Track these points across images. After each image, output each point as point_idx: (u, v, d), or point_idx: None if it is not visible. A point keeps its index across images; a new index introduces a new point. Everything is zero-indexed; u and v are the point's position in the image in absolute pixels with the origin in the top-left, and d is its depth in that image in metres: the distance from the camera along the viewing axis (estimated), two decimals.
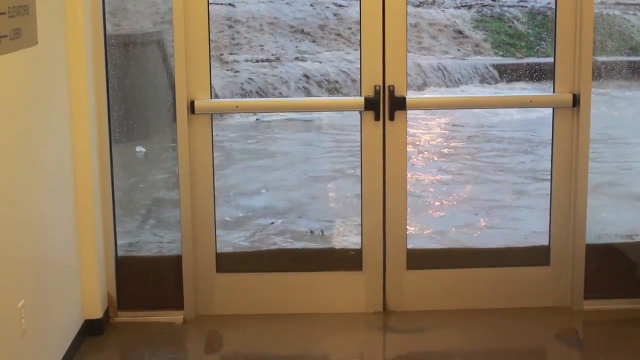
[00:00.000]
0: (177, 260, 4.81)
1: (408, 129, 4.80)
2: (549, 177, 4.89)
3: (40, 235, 3.94)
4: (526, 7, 12.42)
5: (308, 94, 10.20)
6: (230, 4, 11.13)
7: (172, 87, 4.72)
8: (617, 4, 11.92)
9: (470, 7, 12.53)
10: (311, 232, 6.19)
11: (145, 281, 4.88)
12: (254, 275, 4.94)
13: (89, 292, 4.59)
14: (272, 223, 6.43)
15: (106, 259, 4.73)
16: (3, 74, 3.47)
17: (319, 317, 4.86)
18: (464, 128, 9.40)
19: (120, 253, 4.83)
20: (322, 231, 6.20)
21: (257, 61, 10.65)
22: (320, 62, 10.81)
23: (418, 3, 12.17)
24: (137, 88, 5.22)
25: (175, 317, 4.82)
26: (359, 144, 4.81)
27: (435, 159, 8.58)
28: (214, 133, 4.75)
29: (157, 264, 4.99)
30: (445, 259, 5.25)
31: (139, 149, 5.65)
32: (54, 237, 4.18)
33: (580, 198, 4.79)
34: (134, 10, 5.39)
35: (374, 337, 4.81)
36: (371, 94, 4.69)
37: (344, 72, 10.55)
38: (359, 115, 4.76)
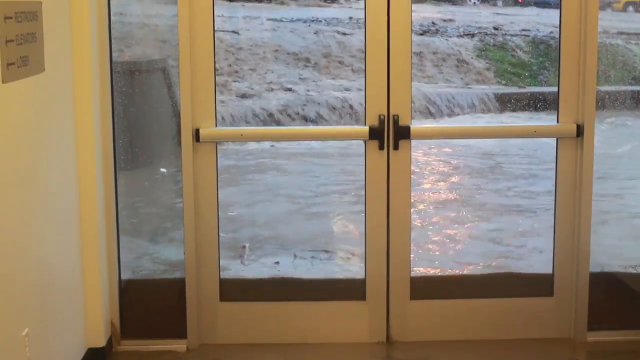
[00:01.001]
0: (180, 288, 4.80)
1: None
2: None
3: (44, 263, 3.93)
4: (529, 36, 12.46)
5: (312, 121, 10.23)
6: (234, 32, 11.17)
7: (177, 114, 4.73)
8: (620, 33, 11.96)
9: (473, 35, 12.57)
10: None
11: (148, 309, 4.87)
12: (257, 305, 4.92)
13: (93, 320, 4.58)
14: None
15: (110, 286, 4.72)
16: (10, 101, 3.48)
17: (323, 347, 4.85)
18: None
19: (123, 279, 4.84)
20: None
21: (262, 88, 10.68)
22: (323, 90, 10.85)
23: (421, 32, 12.22)
24: (142, 115, 5.23)
25: (178, 345, 4.80)
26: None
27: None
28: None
29: (160, 291, 4.97)
30: (448, 288, 5.23)
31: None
32: (59, 264, 4.18)
33: (584, 228, 4.79)
34: (140, 37, 5.41)
35: None
36: (375, 123, 4.70)
37: (345, 100, 10.59)
38: (363, 145, 4.77)
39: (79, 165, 4.44)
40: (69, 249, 4.35)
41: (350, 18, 12.39)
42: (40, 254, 3.88)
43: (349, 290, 5.06)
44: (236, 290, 5.04)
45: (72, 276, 4.40)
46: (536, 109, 10.52)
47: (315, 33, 11.93)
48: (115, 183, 4.71)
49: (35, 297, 3.81)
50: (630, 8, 12.99)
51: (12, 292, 3.51)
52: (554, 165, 4.85)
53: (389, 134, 4.71)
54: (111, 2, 4.59)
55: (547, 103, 10.06)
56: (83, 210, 4.47)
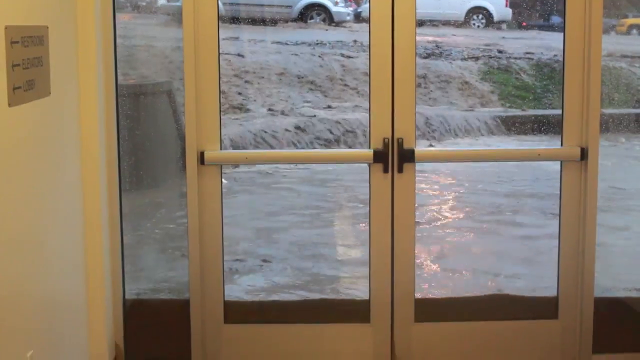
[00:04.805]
0: (185, 309, 4.80)
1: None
2: None
3: (49, 285, 3.94)
4: (533, 59, 12.48)
5: (317, 143, 10.25)
6: (239, 55, 11.21)
7: (182, 137, 4.74)
8: (624, 56, 11.98)
9: (477, 58, 12.59)
10: None
11: (153, 330, 4.87)
12: (261, 327, 4.92)
13: (97, 341, 4.57)
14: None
15: (114, 308, 4.72)
16: (16, 124, 3.50)
17: None
18: None
19: (127, 299, 4.84)
20: None
21: (268, 110, 10.72)
22: (328, 112, 10.87)
23: (425, 55, 12.25)
24: (147, 138, 5.25)
25: None
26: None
27: None
28: None
29: (165, 312, 4.97)
30: (453, 311, 5.23)
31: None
32: (63, 287, 4.18)
33: (588, 251, 4.78)
34: (145, 60, 5.44)
35: None
36: (380, 146, 4.71)
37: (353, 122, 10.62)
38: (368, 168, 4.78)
39: (84, 187, 4.45)
40: (73, 270, 4.35)
41: (355, 41, 12.43)
42: (45, 276, 3.89)
43: (353, 312, 5.06)
44: (240, 312, 5.04)
45: (77, 298, 4.40)
46: (540, 131, 10.53)
47: (319, 56, 11.96)
48: (120, 204, 4.72)
49: (40, 319, 3.82)
50: (634, 31, 13.02)
51: (18, 314, 3.52)
52: None
53: (393, 157, 4.72)
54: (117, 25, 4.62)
55: (550, 126, 10.07)
56: (88, 232, 4.48)
